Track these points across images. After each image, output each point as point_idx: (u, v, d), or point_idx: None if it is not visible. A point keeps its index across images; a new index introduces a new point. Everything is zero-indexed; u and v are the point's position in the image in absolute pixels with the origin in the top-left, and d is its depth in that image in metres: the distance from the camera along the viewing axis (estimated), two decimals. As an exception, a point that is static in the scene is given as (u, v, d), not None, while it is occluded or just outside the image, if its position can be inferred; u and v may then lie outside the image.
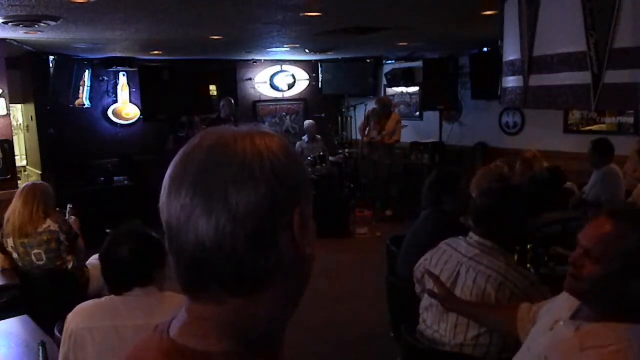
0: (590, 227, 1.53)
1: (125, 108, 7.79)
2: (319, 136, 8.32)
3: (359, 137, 8.97)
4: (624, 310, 1.45)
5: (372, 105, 8.23)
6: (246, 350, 0.69)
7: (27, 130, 7.15)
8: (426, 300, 2.58)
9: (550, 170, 4.66)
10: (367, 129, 7.85)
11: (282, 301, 0.71)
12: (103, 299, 2.03)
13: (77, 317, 1.96)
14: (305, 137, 8.33)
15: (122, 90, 7.74)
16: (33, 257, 3.61)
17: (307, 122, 8.38)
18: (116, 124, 7.78)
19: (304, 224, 0.70)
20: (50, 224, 3.63)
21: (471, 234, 2.49)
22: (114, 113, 7.75)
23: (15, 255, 3.64)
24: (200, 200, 0.65)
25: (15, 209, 3.61)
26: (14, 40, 5.14)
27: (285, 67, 9.14)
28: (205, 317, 0.69)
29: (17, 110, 7.20)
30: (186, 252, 0.67)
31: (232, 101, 7.57)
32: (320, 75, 9.19)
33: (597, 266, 1.47)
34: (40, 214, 3.60)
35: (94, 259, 3.83)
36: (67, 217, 3.97)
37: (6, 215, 3.66)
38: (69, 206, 4.11)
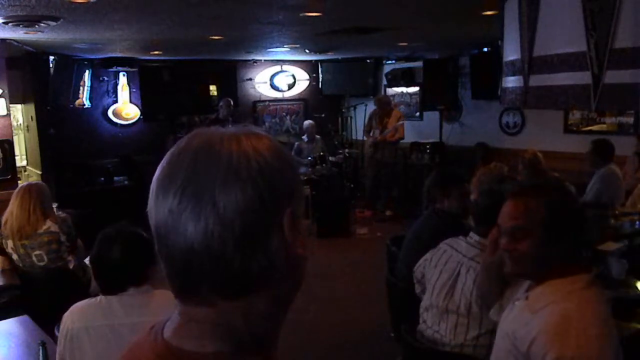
0: (504, 212, 1.70)
1: (125, 108, 7.80)
2: (318, 136, 8.33)
3: (359, 137, 8.98)
4: (558, 268, 1.59)
5: (372, 105, 8.23)
6: (240, 351, 0.69)
7: (27, 130, 7.14)
8: (426, 300, 2.58)
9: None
10: (371, 130, 7.85)
11: (275, 302, 0.71)
12: (98, 297, 2.02)
13: (73, 317, 1.96)
14: (304, 137, 8.34)
15: (122, 90, 7.75)
16: (34, 258, 3.59)
17: (307, 122, 8.38)
18: (116, 124, 7.78)
19: (295, 225, 0.69)
20: (50, 225, 3.61)
21: (471, 233, 2.49)
22: (114, 113, 7.75)
23: (15, 257, 3.62)
24: (188, 203, 0.64)
25: (12, 211, 3.59)
26: (14, 40, 5.14)
27: (285, 67, 9.14)
28: (198, 319, 0.68)
29: (17, 110, 7.19)
30: (176, 256, 0.66)
31: (231, 101, 7.57)
32: (320, 75, 9.19)
33: (526, 241, 1.61)
34: (38, 215, 3.58)
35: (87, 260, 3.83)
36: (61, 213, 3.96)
37: (4, 217, 3.64)
38: (54, 205, 4.06)
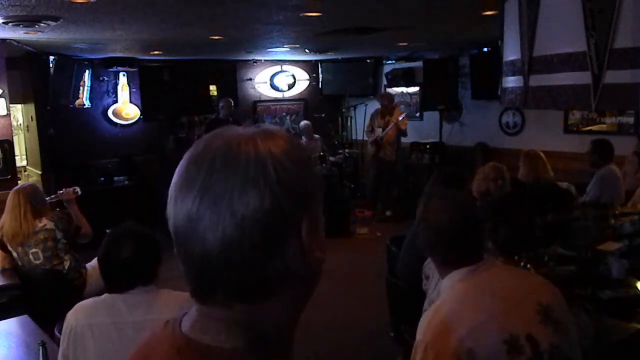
0: None
1: (125, 108, 7.79)
2: (317, 135, 8.32)
3: (359, 137, 8.98)
4: (445, 266, 1.78)
5: (372, 105, 8.23)
6: (258, 349, 0.69)
7: (27, 130, 7.15)
8: (429, 296, 2.59)
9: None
10: (373, 130, 7.85)
11: (291, 305, 0.72)
12: (102, 296, 2.03)
13: (77, 314, 1.96)
14: (303, 138, 8.33)
15: (122, 90, 7.74)
16: (31, 257, 3.59)
17: (302, 123, 8.36)
18: (116, 124, 7.78)
19: (313, 229, 0.70)
20: (45, 223, 3.60)
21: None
22: (114, 113, 7.74)
23: (15, 255, 3.64)
24: (206, 210, 0.65)
25: (5, 220, 3.59)
26: (14, 40, 5.14)
27: (285, 67, 9.14)
28: (215, 317, 0.69)
29: (17, 110, 7.20)
30: (194, 259, 0.67)
31: (231, 101, 7.56)
32: (320, 75, 9.19)
33: None
34: (29, 220, 3.56)
35: (95, 261, 3.81)
36: (61, 191, 3.93)
37: (1, 220, 3.64)
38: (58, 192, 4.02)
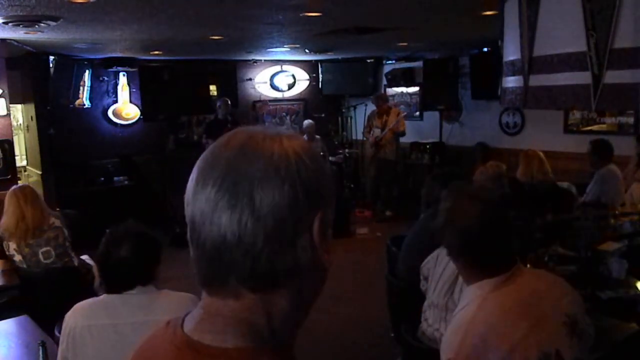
0: None
1: (125, 108, 7.79)
2: (317, 136, 8.33)
3: (359, 137, 8.97)
4: (475, 272, 1.65)
5: (372, 105, 8.23)
6: (260, 348, 0.70)
7: (27, 130, 7.15)
8: (429, 298, 2.59)
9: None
10: (371, 130, 7.85)
11: (296, 301, 0.72)
12: (101, 297, 2.03)
13: (76, 315, 1.96)
14: (304, 137, 8.33)
15: (122, 90, 7.74)
16: (40, 256, 3.58)
17: (306, 122, 8.38)
18: (116, 124, 7.78)
19: (324, 230, 0.73)
20: (53, 220, 3.63)
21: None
22: (114, 113, 7.74)
23: (18, 258, 3.59)
24: (225, 194, 0.67)
25: (23, 214, 3.53)
26: (14, 40, 5.14)
27: (285, 67, 9.14)
28: (221, 313, 0.70)
29: (17, 110, 7.19)
30: (207, 244, 0.68)
31: (228, 101, 7.54)
32: (320, 75, 9.19)
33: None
34: (45, 214, 3.62)
35: (86, 258, 3.85)
36: None
37: (5, 222, 3.59)
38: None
